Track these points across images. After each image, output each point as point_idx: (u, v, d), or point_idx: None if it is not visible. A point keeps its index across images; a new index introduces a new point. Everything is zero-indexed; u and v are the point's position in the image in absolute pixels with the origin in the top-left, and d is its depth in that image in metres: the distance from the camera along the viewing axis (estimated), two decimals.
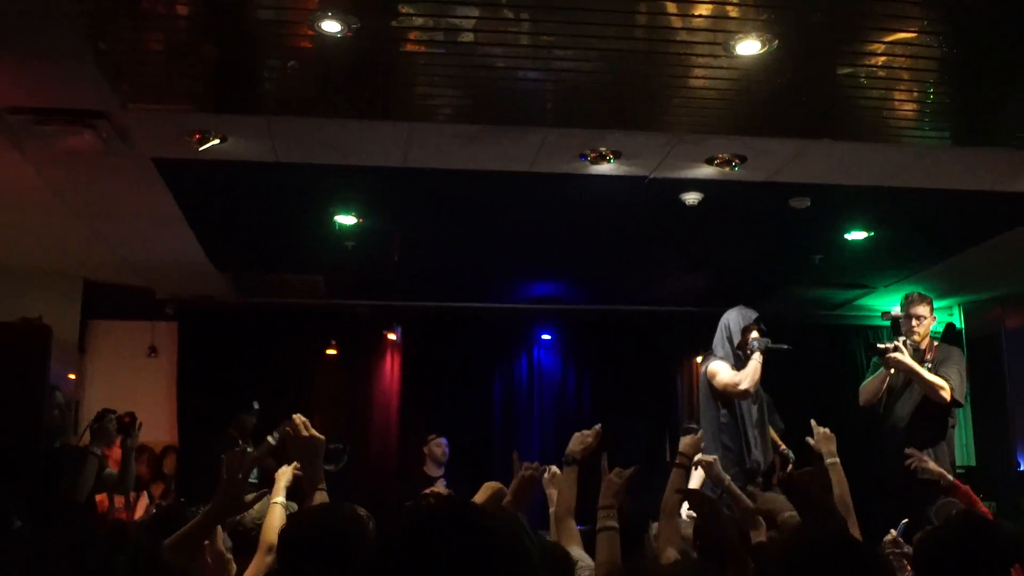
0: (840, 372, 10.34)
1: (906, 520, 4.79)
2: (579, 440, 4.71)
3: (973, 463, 9.71)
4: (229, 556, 4.00)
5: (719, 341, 6.54)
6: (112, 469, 6.48)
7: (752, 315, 6.58)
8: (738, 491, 4.72)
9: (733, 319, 6.59)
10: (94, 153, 5.42)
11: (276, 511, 3.83)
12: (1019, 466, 9.69)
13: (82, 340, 9.27)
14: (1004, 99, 5.07)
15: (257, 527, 3.89)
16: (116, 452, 6.47)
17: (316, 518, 3.10)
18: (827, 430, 5.37)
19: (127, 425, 6.40)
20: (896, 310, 6.69)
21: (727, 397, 6.35)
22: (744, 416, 6.40)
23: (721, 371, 6.44)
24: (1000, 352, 10.15)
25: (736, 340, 6.51)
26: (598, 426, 4.79)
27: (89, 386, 9.30)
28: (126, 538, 2.08)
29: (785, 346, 6.47)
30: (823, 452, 5.23)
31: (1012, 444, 10.27)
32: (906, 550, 4.46)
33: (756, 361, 6.36)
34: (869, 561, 2.28)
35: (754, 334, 6.49)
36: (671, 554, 3.80)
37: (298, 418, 4.00)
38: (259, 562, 3.56)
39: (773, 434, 6.81)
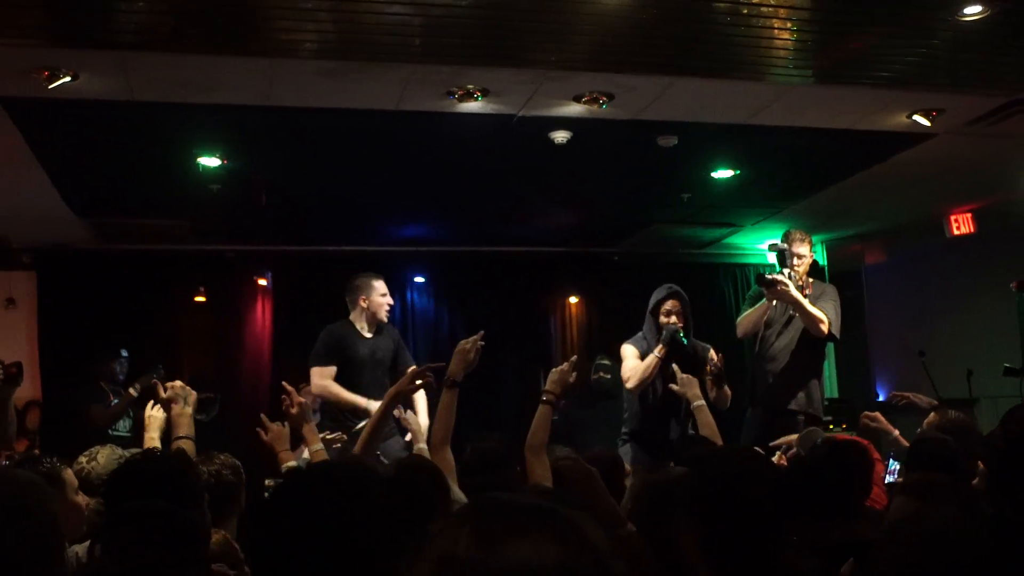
0: (710, 310, 10.54)
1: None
2: (459, 359, 4.55)
3: (836, 395, 10.05)
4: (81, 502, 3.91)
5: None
6: None
7: (662, 292, 6.44)
8: None
9: (655, 293, 6.50)
10: None
11: None
12: (878, 397, 10.08)
13: None
14: (864, 37, 5.18)
15: (103, 481, 3.80)
16: None
17: (143, 461, 3.06)
18: (688, 376, 5.53)
19: (14, 375, 6.12)
20: (783, 244, 6.78)
21: None
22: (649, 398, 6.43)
23: (626, 357, 6.43)
24: (860, 288, 10.52)
25: (653, 319, 6.41)
26: (574, 358, 4.72)
27: None
28: None
29: (688, 349, 6.27)
30: (688, 396, 5.39)
31: (871, 376, 10.68)
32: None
33: (652, 357, 6.23)
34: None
35: (667, 318, 6.30)
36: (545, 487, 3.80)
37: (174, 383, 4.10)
38: None
39: None
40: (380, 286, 6.68)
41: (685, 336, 6.26)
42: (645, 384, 6.27)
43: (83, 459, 4.26)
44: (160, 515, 2.45)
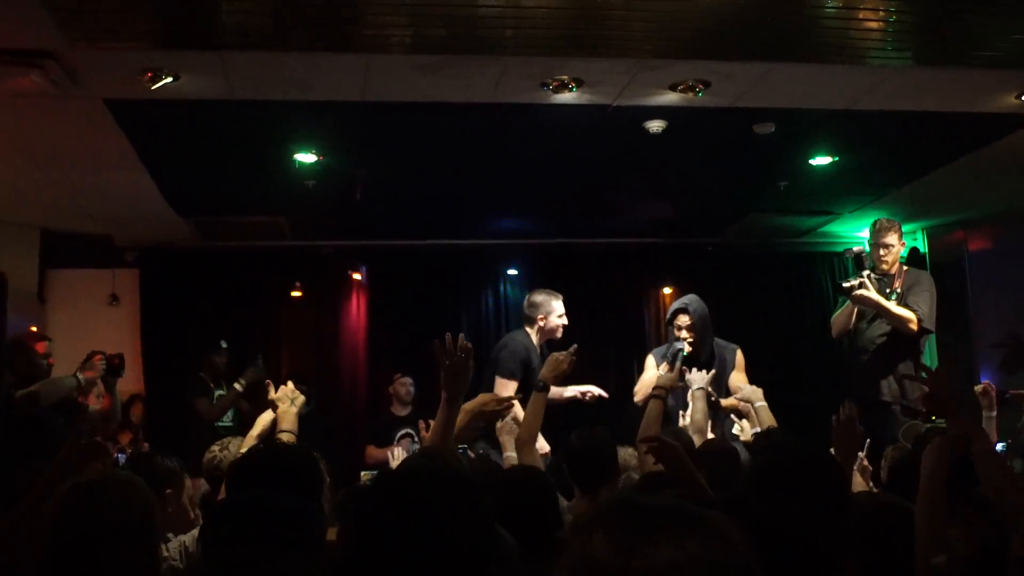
0: (807, 300, 10.40)
1: (868, 440, 4.89)
2: (552, 365, 4.68)
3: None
4: (195, 512, 4.05)
5: None
6: (95, 406, 6.52)
7: (672, 307, 6.48)
8: None
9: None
10: (44, 95, 5.28)
11: None
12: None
13: (42, 290, 9.13)
14: (965, 17, 5.03)
15: None
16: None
17: (268, 452, 3.11)
18: (748, 387, 5.59)
19: (116, 366, 6.43)
20: (858, 248, 6.76)
21: None
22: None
23: (647, 368, 6.48)
24: (964, 275, 10.23)
25: (669, 332, 6.44)
26: (573, 347, 4.77)
27: (50, 336, 9.16)
28: None
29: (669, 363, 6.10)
30: (752, 400, 5.41)
31: (976, 367, 10.39)
32: (865, 464, 4.63)
33: (653, 371, 6.26)
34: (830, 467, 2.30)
35: (679, 332, 6.31)
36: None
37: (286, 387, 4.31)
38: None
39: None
40: (559, 306, 6.61)
41: (697, 351, 6.24)
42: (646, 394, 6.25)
43: (216, 448, 4.42)
44: (271, 504, 2.48)
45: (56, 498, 2.59)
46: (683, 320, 6.34)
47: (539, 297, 6.62)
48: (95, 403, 6.65)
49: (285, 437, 4.09)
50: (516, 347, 6.53)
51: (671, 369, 6.09)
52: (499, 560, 1.70)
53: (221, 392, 8.40)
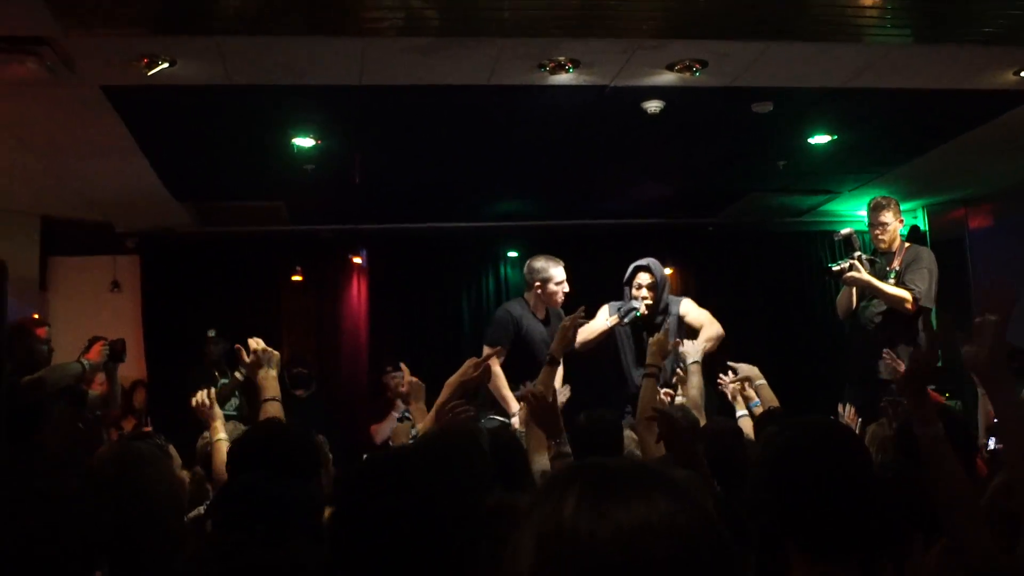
0: (805, 279, 10.39)
1: (861, 419, 4.93)
2: (560, 337, 4.68)
3: (938, 364, 9.80)
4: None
5: None
6: (95, 391, 6.52)
7: (634, 265, 6.46)
8: None
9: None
10: (40, 83, 5.27)
11: None
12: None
13: (43, 277, 9.15)
14: None
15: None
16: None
17: (264, 435, 3.11)
18: (744, 365, 5.55)
19: (119, 352, 6.41)
20: (847, 230, 6.75)
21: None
22: (622, 348, 6.51)
23: (598, 316, 6.46)
24: (964, 253, 10.22)
25: (628, 289, 6.43)
26: (580, 309, 4.76)
27: (52, 323, 9.13)
28: None
29: (620, 318, 6.35)
30: (752, 379, 5.39)
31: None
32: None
33: (600, 323, 6.31)
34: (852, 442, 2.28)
35: (638, 292, 6.32)
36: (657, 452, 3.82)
37: (253, 341, 3.98)
38: None
39: None
40: (559, 273, 6.53)
41: (652, 313, 6.29)
42: (587, 345, 6.29)
43: (208, 433, 4.38)
44: (264, 492, 2.49)
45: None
46: (643, 279, 6.33)
47: (538, 263, 6.55)
48: (97, 389, 6.66)
49: (272, 408, 3.95)
50: (501, 315, 6.54)
51: (620, 323, 6.15)
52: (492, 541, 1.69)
53: (225, 381, 8.35)
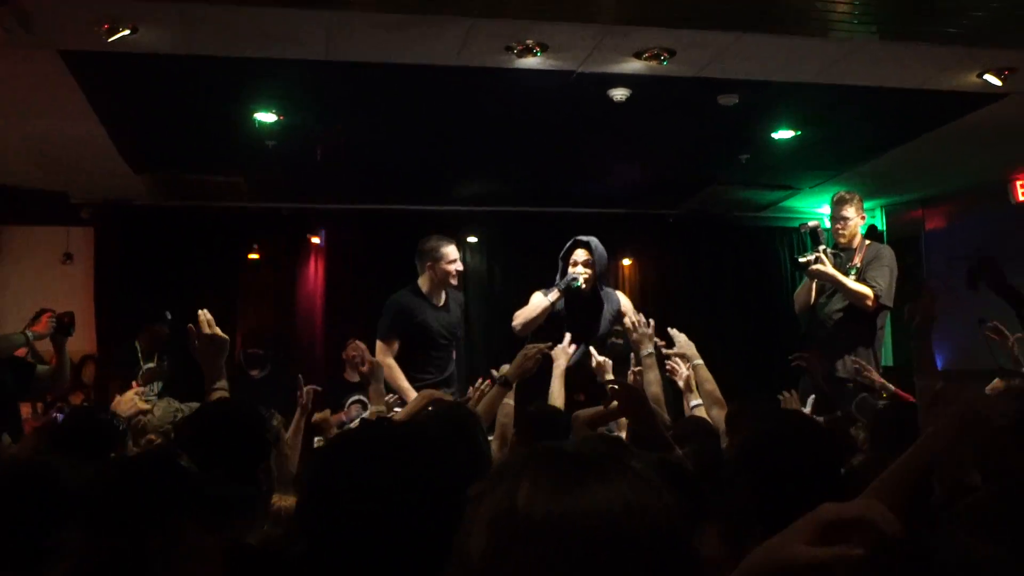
0: (764, 273, 10.46)
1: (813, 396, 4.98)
2: (519, 362, 4.62)
3: (891, 363, 9.90)
4: None
5: None
6: (46, 365, 6.38)
7: (575, 239, 6.33)
8: None
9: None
10: None
11: None
12: (937, 366, 9.88)
13: None
14: None
15: (160, 433, 3.81)
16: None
17: (212, 415, 3.05)
18: (681, 336, 5.37)
19: (67, 325, 6.26)
20: (813, 222, 6.79)
21: None
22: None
23: (530, 301, 6.33)
24: (920, 253, 10.32)
25: (563, 265, 6.32)
26: (547, 344, 4.73)
27: (1, 294, 9.03)
28: None
29: (560, 289, 6.19)
30: (690, 357, 5.24)
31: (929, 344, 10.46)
32: None
33: (540, 299, 6.19)
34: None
35: (574, 268, 6.20)
36: None
37: (203, 314, 3.79)
38: None
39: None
40: (451, 251, 6.49)
41: (591, 287, 6.19)
42: (529, 327, 6.15)
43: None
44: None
45: None
46: (580, 255, 6.22)
47: (429, 243, 6.51)
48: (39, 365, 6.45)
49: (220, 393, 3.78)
50: (388, 307, 6.46)
51: (559, 296, 6.08)
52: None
53: (150, 364, 8.06)
